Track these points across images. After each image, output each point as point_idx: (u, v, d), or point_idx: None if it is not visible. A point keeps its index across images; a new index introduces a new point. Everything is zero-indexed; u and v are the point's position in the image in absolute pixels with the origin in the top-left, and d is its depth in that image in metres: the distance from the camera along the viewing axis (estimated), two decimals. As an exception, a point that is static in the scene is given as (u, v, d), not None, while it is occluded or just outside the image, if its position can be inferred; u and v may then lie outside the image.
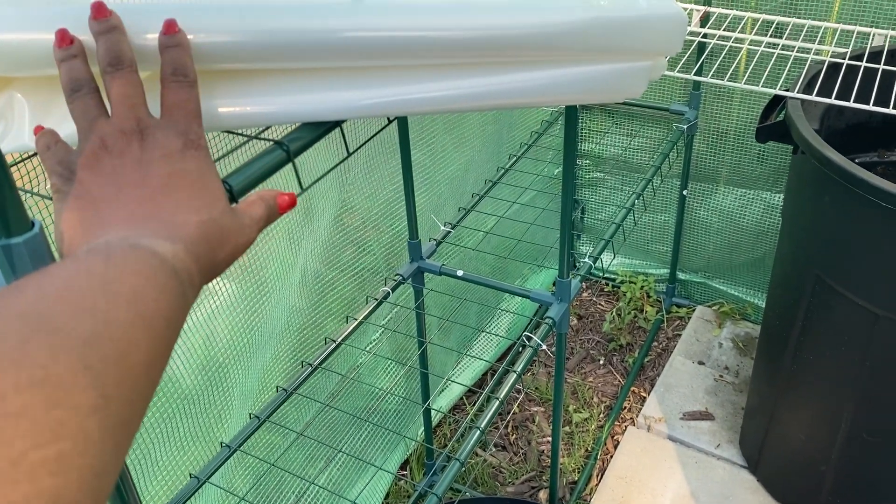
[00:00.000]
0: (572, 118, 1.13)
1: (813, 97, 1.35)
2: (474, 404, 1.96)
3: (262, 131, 0.59)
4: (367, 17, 0.53)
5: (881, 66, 1.41)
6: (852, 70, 1.41)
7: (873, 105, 1.31)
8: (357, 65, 0.55)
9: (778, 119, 1.38)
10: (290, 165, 0.55)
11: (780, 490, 1.65)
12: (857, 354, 1.31)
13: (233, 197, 0.51)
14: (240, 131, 0.58)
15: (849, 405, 1.38)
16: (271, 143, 0.55)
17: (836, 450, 1.44)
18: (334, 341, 1.28)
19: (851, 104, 1.32)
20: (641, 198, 1.66)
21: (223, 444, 1.12)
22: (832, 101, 1.33)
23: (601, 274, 2.38)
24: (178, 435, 1.08)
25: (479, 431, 1.13)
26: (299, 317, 1.33)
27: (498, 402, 1.17)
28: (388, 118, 0.67)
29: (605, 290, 2.36)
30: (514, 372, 1.22)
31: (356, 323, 1.31)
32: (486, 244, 1.84)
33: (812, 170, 1.25)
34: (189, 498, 1.04)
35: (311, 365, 1.24)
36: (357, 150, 0.71)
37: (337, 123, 0.58)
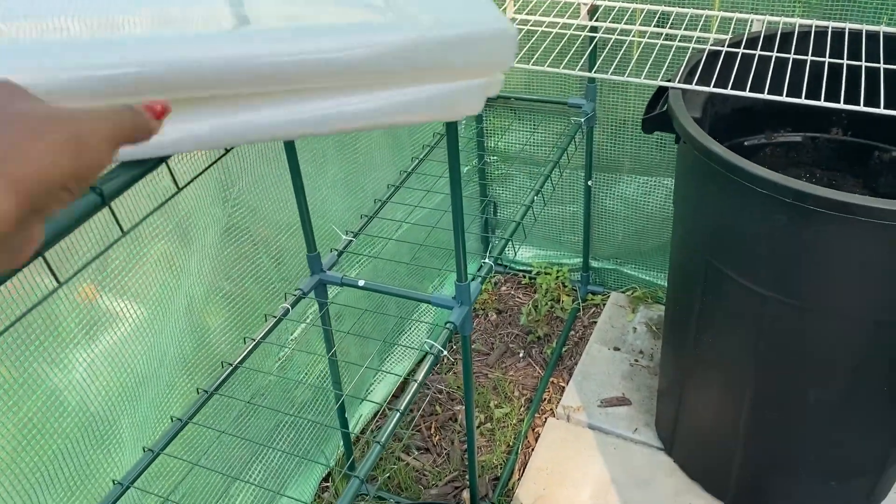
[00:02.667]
0: (452, 131, 1.12)
1: (693, 86, 1.37)
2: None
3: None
4: (195, 45, 0.51)
5: (757, 52, 1.45)
6: (731, 57, 1.44)
7: (749, 91, 1.34)
8: (188, 95, 0.53)
9: (662, 109, 1.40)
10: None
11: (695, 469, 1.69)
12: (751, 334, 1.35)
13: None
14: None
15: (748, 383, 1.42)
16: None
17: (741, 427, 1.49)
18: (231, 364, 1.25)
19: (729, 91, 1.35)
20: (541, 194, 1.67)
21: (115, 482, 1.08)
22: (711, 89, 1.36)
23: (517, 267, 2.40)
24: (64, 475, 1.04)
25: (379, 445, 1.12)
26: (192, 341, 1.29)
27: (399, 413, 1.16)
28: (225, 148, 0.65)
29: (523, 282, 2.38)
30: (415, 381, 1.21)
31: (253, 344, 1.28)
32: (398, 251, 1.83)
33: (693, 158, 1.28)
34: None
35: (206, 392, 1.20)
36: (189, 183, 0.69)
37: (160, 161, 0.56)
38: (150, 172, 0.55)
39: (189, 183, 0.65)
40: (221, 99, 0.55)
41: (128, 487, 1.07)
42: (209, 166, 0.74)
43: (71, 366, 1.05)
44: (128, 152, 0.53)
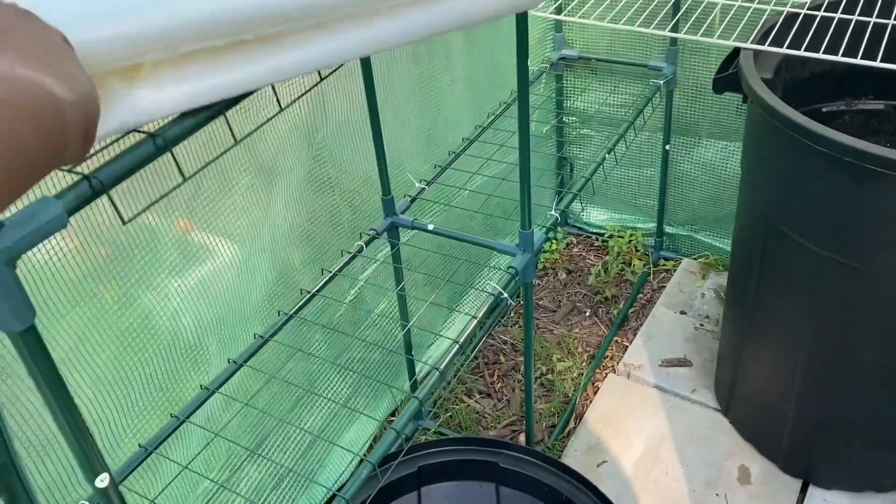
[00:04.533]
0: (523, 70, 1.18)
1: (765, 47, 1.38)
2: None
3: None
4: None
5: (837, 15, 1.44)
6: (809, 20, 1.44)
7: (823, 52, 1.34)
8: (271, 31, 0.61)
9: (734, 70, 1.42)
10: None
11: (749, 431, 1.72)
12: (809, 296, 1.36)
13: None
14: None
15: (803, 345, 1.44)
16: (145, 135, 0.62)
17: (795, 389, 1.51)
18: (308, 292, 1.36)
19: (801, 53, 1.35)
20: (613, 153, 1.71)
21: (203, 387, 1.21)
22: (783, 50, 1.37)
23: (591, 230, 2.44)
24: (158, 377, 1.18)
25: (438, 372, 1.21)
26: (275, 273, 1.41)
27: (458, 345, 1.25)
28: (320, 74, 0.74)
29: (595, 244, 2.42)
30: (475, 318, 1.29)
31: (330, 275, 1.40)
32: (473, 203, 1.90)
33: (758, 117, 1.30)
34: (169, 436, 1.14)
35: (286, 314, 1.33)
36: (290, 105, 0.78)
37: (219, 112, 0.65)
38: (210, 121, 0.64)
39: (292, 103, 0.74)
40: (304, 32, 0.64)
41: (213, 392, 1.21)
42: (303, 94, 0.83)
43: (165, 291, 1.19)
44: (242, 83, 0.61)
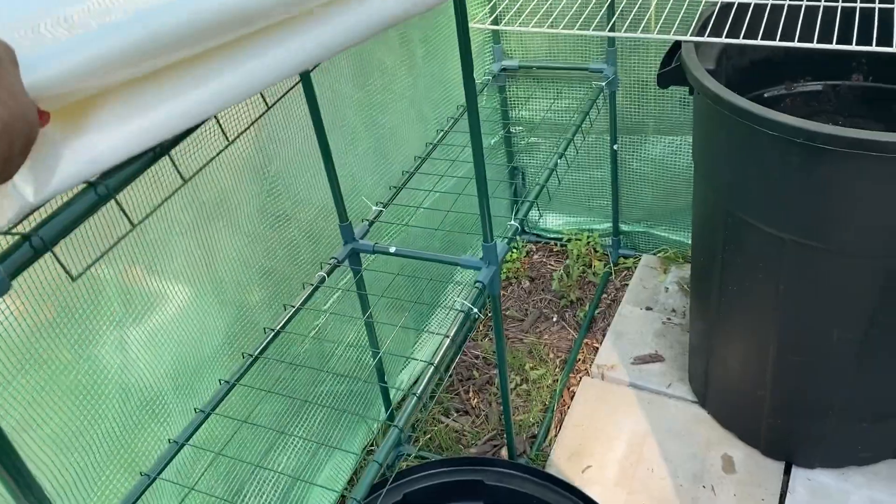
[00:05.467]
0: (470, 87, 1.16)
1: (704, 38, 1.40)
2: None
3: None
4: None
5: (770, 2, 1.46)
6: (743, 8, 1.46)
7: (760, 39, 1.36)
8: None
9: (676, 64, 1.43)
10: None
11: (727, 419, 1.72)
12: (772, 279, 1.37)
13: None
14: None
15: (772, 329, 1.44)
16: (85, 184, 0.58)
17: (768, 373, 1.51)
18: (273, 330, 1.32)
19: (739, 41, 1.37)
20: (564, 157, 1.70)
21: (171, 441, 1.16)
22: (722, 39, 1.38)
23: (549, 235, 2.44)
24: (117, 433, 1.12)
25: (415, 397, 1.18)
26: (233, 314, 1.36)
27: (433, 367, 1.22)
28: (266, 102, 0.71)
29: (555, 250, 2.42)
30: (447, 336, 1.27)
31: (293, 310, 1.36)
32: (431, 220, 1.88)
33: (706, 108, 1.30)
34: (141, 496, 1.08)
35: (251, 355, 1.28)
36: (238, 136, 0.75)
37: (163, 152, 0.62)
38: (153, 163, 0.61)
39: (231, 142, 0.71)
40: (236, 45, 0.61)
41: (183, 445, 1.16)
42: (251, 124, 0.80)
43: (118, 344, 1.13)
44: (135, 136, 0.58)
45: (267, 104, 0.73)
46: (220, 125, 0.73)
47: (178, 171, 0.69)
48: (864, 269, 1.28)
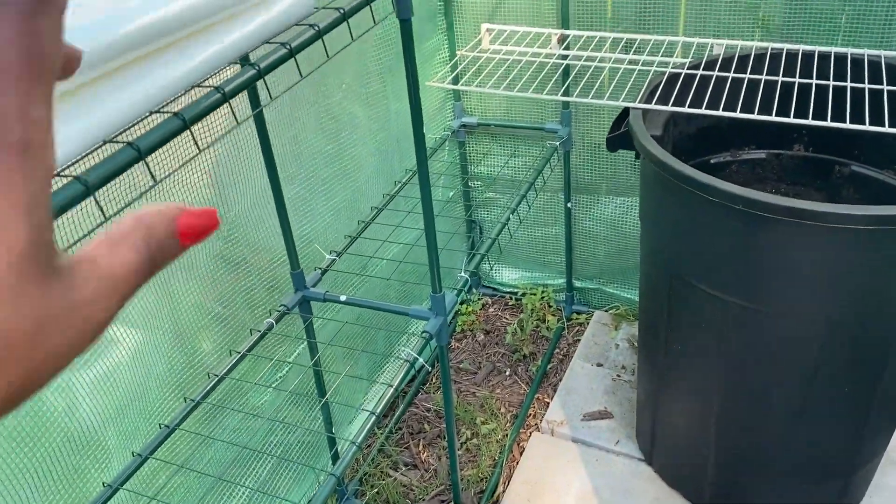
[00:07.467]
0: (419, 136, 1.20)
1: (652, 105, 1.45)
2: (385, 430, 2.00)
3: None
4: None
5: (715, 73, 1.53)
6: (690, 78, 1.53)
7: (705, 108, 1.42)
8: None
9: (625, 129, 1.48)
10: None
11: (673, 477, 1.74)
12: (715, 339, 1.41)
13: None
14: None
15: (714, 387, 1.47)
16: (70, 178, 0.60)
17: (711, 432, 1.54)
18: (216, 376, 1.31)
19: (685, 109, 1.43)
20: (517, 213, 1.74)
21: (105, 485, 1.13)
22: (668, 108, 1.44)
23: (504, 289, 2.46)
24: (55, 476, 1.09)
25: (354, 445, 1.17)
26: (182, 359, 1.35)
27: (375, 416, 1.22)
28: (236, 119, 0.72)
29: (510, 303, 2.44)
30: (391, 386, 1.27)
31: (238, 356, 1.35)
32: (387, 271, 1.89)
33: (651, 172, 1.35)
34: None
35: (193, 400, 1.26)
36: (206, 148, 0.76)
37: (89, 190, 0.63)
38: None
39: (200, 152, 0.72)
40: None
41: (117, 489, 1.13)
42: (217, 139, 0.81)
43: (61, 386, 1.11)
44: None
45: (237, 120, 0.74)
46: (194, 136, 0.74)
47: (102, 210, 0.69)
48: (802, 331, 1.32)
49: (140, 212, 0.26)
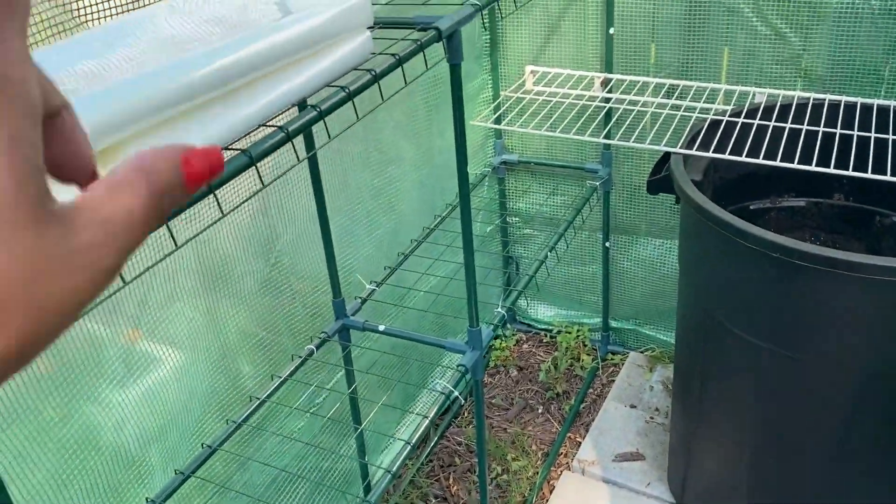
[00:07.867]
0: (463, 173, 1.24)
1: (693, 152, 1.48)
2: (417, 460, 2.02)
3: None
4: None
5: (756, 121, 1.55)
6: (731, 125, 1.55)
7: (746, 156, 1.44)
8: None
9: (665, 173, 1.51)
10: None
11: (704, 523, 1.72)
12: (749, 385, 1.41)
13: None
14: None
15: (749, 434, 1.47)
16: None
17: (745, 475, 1.53)
18: (258, 399, 1.35)
19: (726, 156, 1.45)
20: (555, 251, 1.77)
21: (148, 500, 1.17)
22: (709, 154, 1.46)
23: (539, 326, 2.48)
24: (99, 492, 1.14)
25: (389, 473, 1.20)
26: (225, 382, 1.39)
27: (410, 446, 1.25)
28: (262, 181, 0.77)
29: (544, 341, 2.45)
30: (426, 417, 1.29)
31: (280, 381, 1.39)
32: (427, 302, 1.92)
33: (691, 217, 1.37)
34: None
35: (235, 422, 1.30)
36: (233, 210, 0.80)
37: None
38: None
39: (224, 216, 0.76)
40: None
41: (159, 506, 1.17)
42: (244, 201, 0.86)
43: (109, 403, 1.16)
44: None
45: (263, 182, 0.79)
46: (217, 199, 0.79)
47: (172, 236, 0.74)
48: (838, 380, 1.32)
49: (141, 153, 0.24)
